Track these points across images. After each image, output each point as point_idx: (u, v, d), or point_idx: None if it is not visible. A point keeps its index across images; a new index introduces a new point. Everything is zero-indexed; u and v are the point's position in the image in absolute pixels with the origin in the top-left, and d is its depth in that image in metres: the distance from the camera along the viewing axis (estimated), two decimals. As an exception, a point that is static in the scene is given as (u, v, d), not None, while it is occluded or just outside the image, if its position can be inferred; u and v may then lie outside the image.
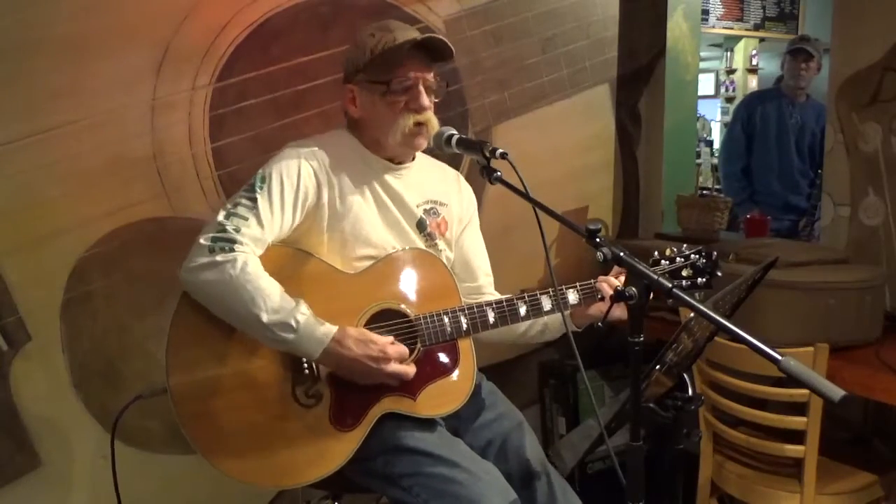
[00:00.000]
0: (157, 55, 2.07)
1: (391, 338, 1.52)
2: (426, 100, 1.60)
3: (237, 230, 1.45)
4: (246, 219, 1.47)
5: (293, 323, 1.41)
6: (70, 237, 2.00)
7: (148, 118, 2.08)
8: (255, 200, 1.49)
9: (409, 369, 1.51)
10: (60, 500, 2.06)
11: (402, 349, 1.51)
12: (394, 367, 1.48)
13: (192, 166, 2.15)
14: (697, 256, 1.69)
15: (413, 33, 1.60)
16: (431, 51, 1.61)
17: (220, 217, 1.48)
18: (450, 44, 1.59)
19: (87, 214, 2.01)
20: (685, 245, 1.72)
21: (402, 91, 1.58)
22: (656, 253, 1.69)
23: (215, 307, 1.45)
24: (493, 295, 1.84)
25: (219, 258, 1.42)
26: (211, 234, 1.45)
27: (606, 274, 1.70)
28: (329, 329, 1.44)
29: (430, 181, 1.74)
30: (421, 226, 1.69)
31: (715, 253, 1.71)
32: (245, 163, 2.19)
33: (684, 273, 1.69)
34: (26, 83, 1.91)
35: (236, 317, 1.44)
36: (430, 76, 1.61)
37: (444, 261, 1.74)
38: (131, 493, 1.87)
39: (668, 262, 1.68)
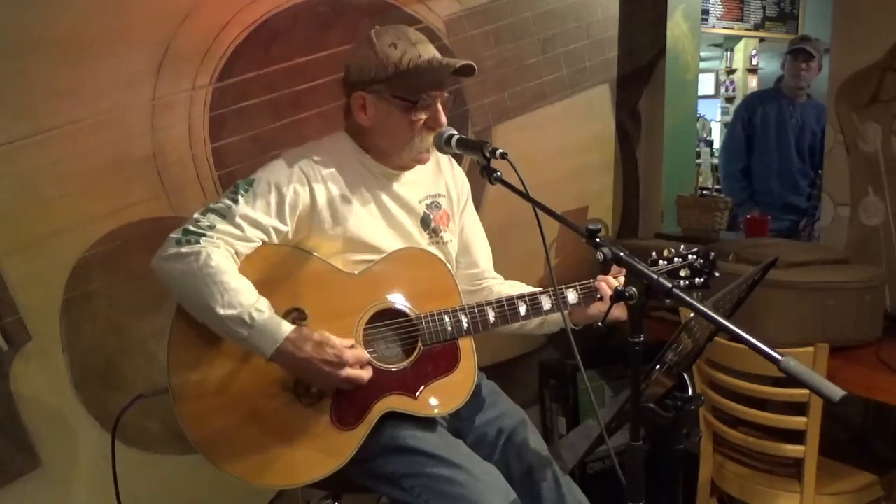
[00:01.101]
0: (157, 55, 2.07)
1: (351, 341, 1.50)
2: (445, 117, 1.59)
3: (211, 227, 1.46)
4: (222, 216, 1.48)
5: (248, 319, 1.40)
6: (70, 237, 2.00)
7: (148, 118, 2.08)
8: (236, 201, 1.50)
9: (365, 374, 1.49)
10: (60, 500, 2.06)
11: (361, 353, 1.49)
12: (348, 371, 1.46)
13: (192, 166, 2.15)
14: (695, 257, 1.70)
15: (431, 48, 1.58)
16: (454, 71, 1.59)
17: (197, 213, 1.49)
18: (475, 66, 1.58)
19: (87, 214, 2.02)
20: (683, 245, 1.72)
21: (425, 108, 1.57)
22: (654, 253, 1.69)
23: (180, 299, 1.47)
24: (496, 278, 1.85)
25: (184, 250, 1.43)
26: (182, 227, 1.47)
27: (606, 274, 1.70)
28: (285, 329, 1.43)
29: (427, 175, 1.73)
30: (425, 222, 1.70)
31: (713, 253, 1.71)
32: (245, 163, 2.19)
33: (682, 273, 1.69)
34: (27, 83, 1.91)
35: (198, 309, 1.44)
36: (446, 94, 1.61)
37: (452, 251, 1.75)
38: (131, 494, 1.87)
39: (665, 263, 1.68)
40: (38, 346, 1.99)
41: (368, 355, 1.51)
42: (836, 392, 0.92)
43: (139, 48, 2.05)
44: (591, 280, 1.68)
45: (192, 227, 1.46)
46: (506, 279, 1.87)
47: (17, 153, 1.91)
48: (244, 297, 1.42)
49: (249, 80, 2.21)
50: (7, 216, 1.92)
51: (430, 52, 1.57)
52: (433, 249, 1.70)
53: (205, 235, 1.45)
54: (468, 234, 1.82)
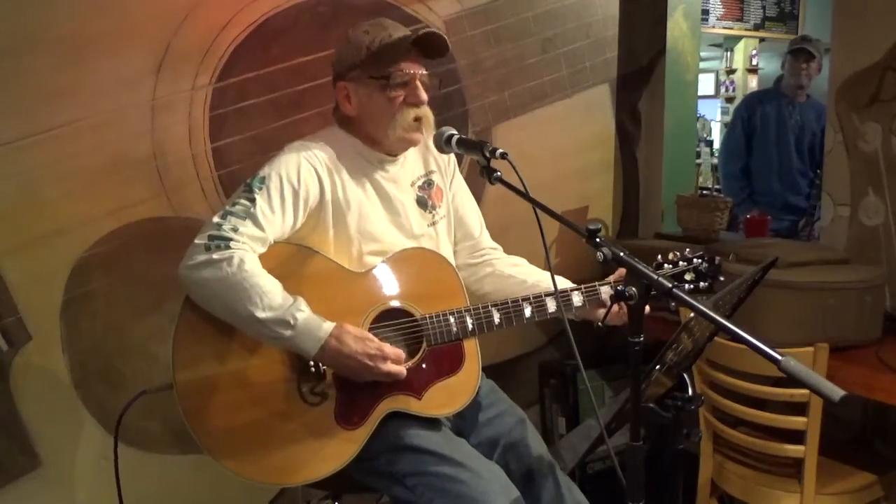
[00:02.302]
0: (157, 55, 2.07)
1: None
2: (424, 94, 1.61)
3: (234, 229, 1.45)
4: (244, 218, 1.47)
5: (290, 320, 1.41)
6: (70, 237, 2.00)
7: (148, 118, 2.08)
8: (253, 200, 1.49)
9: (403, 370, 1.52)
10: (60, 500, 2.06)
11: (399, 351, 1.52)
12: (390, 366, 1.49)
13: (192, 166, 2.15)
14: (700, 260, 1.70)
15: (405, 31, 1.61)
16: (426, 48, 1.62)
17: (217, 217, 1.48)
18: (446, 37, 1.60)
19: (87, 214, 2.01)
20: (688, 249, 1.72)
21: (402, 85, 1.59)
22: (659, 256, 1.69)
23: (213, 305, 1.46)
24: (495, 249, 1.86)
25: (215, 256, 1.42)
26: (207, 233, 1.45)
27: (607, 274, 1.70)
28: (327, 326, 1.45)
29: (416, 156, 1.75)
30: (422, 203, 1.71)
31: (718, 258, 1.71)
32: (245, 163, 2.19)
33: (687, 277, 1.69)
34: (26, 83, 1.91)
35: (233, 314, 1.44)
36: (425, 72, 1.62)
37: (450, 224, 1.76)
38: (132, 493, 1.87)
39: (670, 266, 1.68)
40: (38, 346, 1.99)
41: (403, 354, 1.53)
42: (836, 392, 0.92)
43: (139, 48, 2.04)
44: (596, 283, 1.68)
45: (217, 233, 1.45)
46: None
47: (17, 153, 1.91)
48: (282, 299, 1.43)
49: (249, 80, 2.21)
50: (7, 216, 1.92)
51: (400, 33, 1.59)
52: (434, 231, 1.72)
53: (232, 239, 1.44)
54: (458, 204, 1.82)
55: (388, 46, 1.57)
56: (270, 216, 1.50)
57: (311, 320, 1.44)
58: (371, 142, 1.66)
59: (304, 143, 1.62)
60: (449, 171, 1.81)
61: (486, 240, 1.86)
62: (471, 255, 1.83)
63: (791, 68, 3.72)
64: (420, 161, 1.75)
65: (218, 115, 2.17)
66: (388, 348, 1.49)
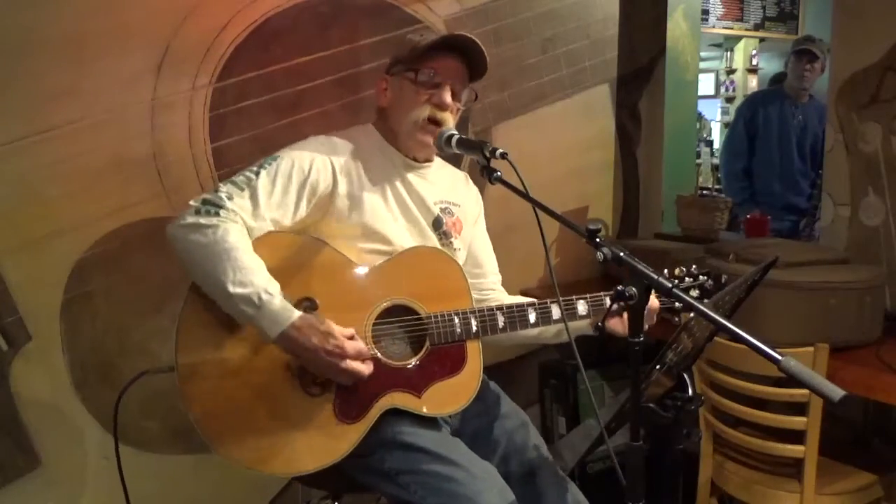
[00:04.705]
0: (157, 55, 2.07)
1: (351, 330, 1.49)
2: (448, 98, 1.62)
3: (229, 197, 1.46)
4: (242, 189, 1.48)
5: (256, 300, 1.39)
6: (70, 237, 2.00)
7: (148, 118, 2.08)
8: (258, 174, 1.51)
9: (366, 368, 1.48)
10: (60, 500, 2.06)
11: (361, 346, 1.48)
12: (349, 364, 1.45)
13: (192, 166, 2.15)
14: (706, 278, 1.71)
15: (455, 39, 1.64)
16: (471, 62, 1.64)
17: (220, 183, 1.50)
18: (487, 59, 1.64)
19: (87, 214, 2.02)
20: (694, 266, 1.74)
21: (430, 84, 1.62)
22: (665, 272, 1.70)
23: (191, 269, 1.45)
24: (502, 292, 1.86)
25: (202, 220, 1.43)
26: (202, 197, 1.46)
27: (606, 274, 1.71)
28: (291, 313, 1.42)
29: (446, 182, 1.77)
30: (437, 224, 1.71)
31: (725, 277, 1.72)
32: (245, 163, 2.18)
33: (692, 294, 1.70)
34: (26, 83, 1.91)
35: (207, 281, 1.43)
36: (462, 83, 1.64)
37: (460, 260, 1.76)
38: (131, 493, 1.87)
39: (677, 282, 1.69)
40: (38, 346, 1.99)
41: (368, 349, 1.51)
42: (836, 392, 0.92)
43: (139, 48, 2.04)
44: (602, 293, 1.69)
45: (211, 197, 1.46)
46: (506, 279, 1.88)
47: (17, 153, 1.91)
48: (256, 277, 1.41)
49: (249, 80, 2.21)
50: (7, 216, 1.92)
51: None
52: None
53: (224, 207, 1.44)
54: (478, 247, 1.84)
55: (430, 45, 1.60)
56: (270, 192, 1.50)
57: (277, 305, 1.41)
58: (392, 137, 1.68)
59: (329, 137, 1.64)
60: (474, 215, 1.82)
61: (496, 283, 1.86)
62: (476, 293, 1.81)
63: (794, 69, 3.71)
64: (450, 189, 1.76)
65: (218, 115, 2.17)
66: (350, 345, 1.45)
